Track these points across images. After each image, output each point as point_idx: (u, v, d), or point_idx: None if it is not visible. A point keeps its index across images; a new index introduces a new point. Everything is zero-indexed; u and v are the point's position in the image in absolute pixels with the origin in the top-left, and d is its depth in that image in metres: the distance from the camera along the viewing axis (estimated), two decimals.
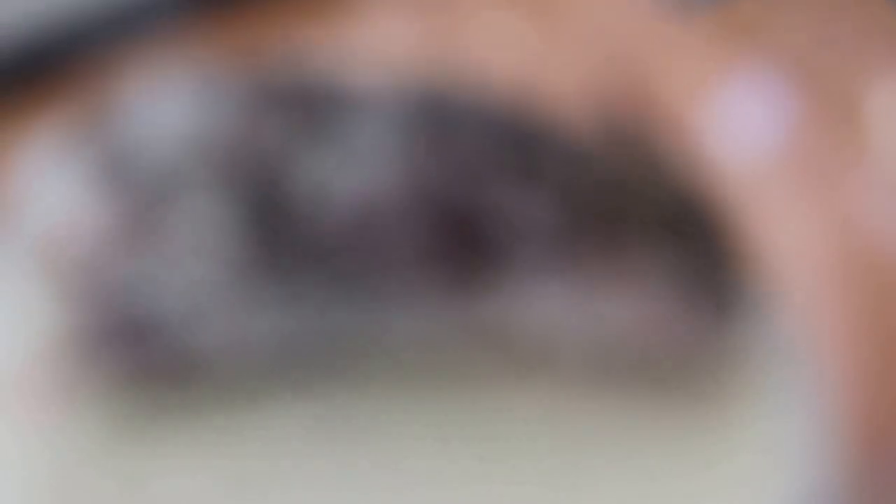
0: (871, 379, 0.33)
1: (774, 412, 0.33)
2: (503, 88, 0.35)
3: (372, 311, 0.33)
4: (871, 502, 0.23)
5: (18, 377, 0.33)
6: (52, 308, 0.34)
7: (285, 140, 0.34)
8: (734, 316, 0.33)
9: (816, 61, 0.37)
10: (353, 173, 0.33)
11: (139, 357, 0.33)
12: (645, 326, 0.33)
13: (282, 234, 0.33)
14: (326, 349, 0.33)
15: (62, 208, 0.33)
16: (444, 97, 0.34)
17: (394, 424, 0.33)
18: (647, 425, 0.33)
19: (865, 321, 0.34)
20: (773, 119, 0.37)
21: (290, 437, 0.33)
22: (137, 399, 0.33)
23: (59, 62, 0.41)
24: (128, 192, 0.33)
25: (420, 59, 0.36)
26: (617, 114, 0.33)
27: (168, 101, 0.34)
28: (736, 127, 0.38)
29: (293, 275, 0.33)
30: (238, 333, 0.33)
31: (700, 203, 0.34)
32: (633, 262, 0.33)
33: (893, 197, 0.35)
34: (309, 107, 0.34)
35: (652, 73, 0.40)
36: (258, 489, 0.33)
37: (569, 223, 0.33)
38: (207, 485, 0.33)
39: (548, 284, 0.33)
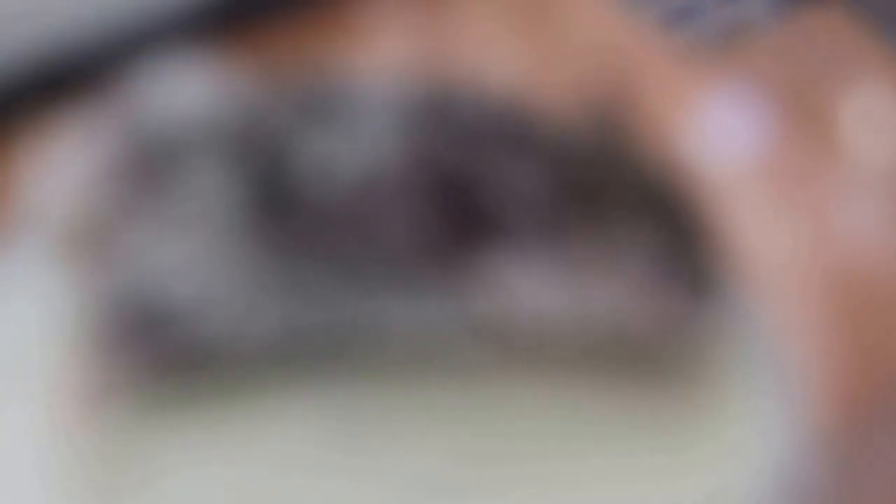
0: (835, 360, 0.34)
1: (749, 390, 0.34)
2: (497, 88, 0.36)
3: (371, 296, 0.33)
4: (832, 472, 0.24)
5: (38, 367, 0.34)
6: (69, 299, 0.35)
7: (291, 124, 0.34)
8: (710, 300, 0.34)
9: (793, 78, 0.39)
10: (354, 156, 0.33)
11: (150, 348, 0.33)
12: (625, 307, 0.33)
13: (287, 218, 0.33)
14: (328, 337, 0.34)
15: (81, 196, 0.34)
16: (440, 89, 0.35)
17: (394, 410, 0.34)
18: (629, 403, 0.34)
19: (831, 309, 0.35)
20: (749, 127, 0.39)
21: (295, 427, 0.34)
22: (150, 390, 0.33)
23: (89, 68, 0.43)
24: (141, 175, 0.33)
25: (419, 67, 0.37)
26: (601, 111, 0.34)
27: (182, 87, 0.35)
28: (715, 133, 0.40)
29: (297, 261, 0.33)
30: (243, 322, 0.33)
31: (677, 192, 0.34)
32: (614, 245, 0.33)
33: (860, 201, 0.36)
34: (314, 95, 0.35)
35: (636, 77, 0.42)
36: (266, 478, 0.33)
37: (554, 202, 0.33)
38: (217, 473, 0.33)
39: (535, 265, 0.33)
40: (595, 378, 0.34)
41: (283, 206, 0.33)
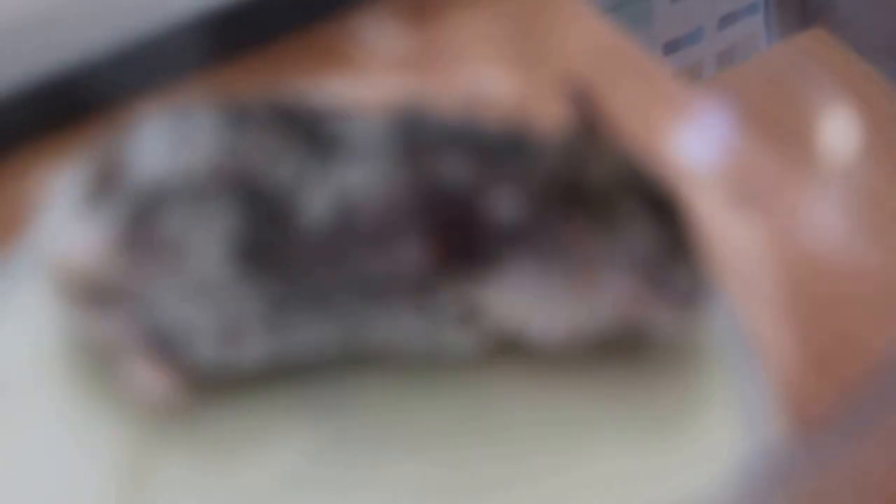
0: (800, 355, 0.35)
1: (728, 382, 0.35)
2: (486, 101, 0.36)
3: (363, 314, 0.34)
4: (799, 455, 0.25)
5: (34, 380, 0.35)
6: (62, 318, 0.36)
7: (284, 155, 0.34)
8: (696, 301, 0.34)
9: (775, 96, 0.40)
10: (348, 181, 0.34)
11: (146, 368, 0.34)
12: (615, 308, 0.34)
13: (275, 244, 0.34)
14: (321, 351, 0.35)
15: (73, 227, 0.34)
16: (429, 108, 0.35)
17: (391, 411, 0.35)
18: (618, 404, 0.35)
19: (797, 309, 0.36)
20: (726, 139, 0.40)
21: (291, 438, 0.34)
22: (148, 406, 0.34)
23: (90, 101, 0.43)
24: (132, 208, 0.34)
25: (409, 85, 0.37)
26: (585, 122, 0.35)
27: (172, 123, 0.35)
28: (695, 143, 0.40)
29: (285, 283, 0.34)
30: (235, 344, 0.34)
31: (662, 197, 0.35)
32: (603, 251, 0.34)
33: (827, 209, 0.37)
34: (302, 121, 0.35)
35: (620, 88, 0.42)
36: (264, 490, 0.34)
37: (545, 212, 0.34)
38: (216, 486, 0.34)
39: (529, 274, 0.34)
40: (585, 380, 0.35)
41: (276, 236, 0.34)
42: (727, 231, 0.38)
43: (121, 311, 0.34)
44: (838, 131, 0.36)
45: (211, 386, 0.35)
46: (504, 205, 0.34)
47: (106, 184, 0.34)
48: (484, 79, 0.44)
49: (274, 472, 0.34)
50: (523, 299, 0.35)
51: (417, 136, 0.35)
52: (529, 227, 0.34)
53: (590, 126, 0.35)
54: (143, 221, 0.34)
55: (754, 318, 0.36)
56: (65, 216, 0.35)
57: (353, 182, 0.34)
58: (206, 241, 0.34)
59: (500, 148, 0.35)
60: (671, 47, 0.43)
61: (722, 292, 0.36)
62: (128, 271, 0.34)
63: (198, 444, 0.35)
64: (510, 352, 0.35)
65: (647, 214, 0.35)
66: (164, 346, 0.34)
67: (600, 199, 0.34)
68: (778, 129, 0.39)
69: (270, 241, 0.34)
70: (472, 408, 0.35)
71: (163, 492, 0.34)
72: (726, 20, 0.42)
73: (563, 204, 0.34)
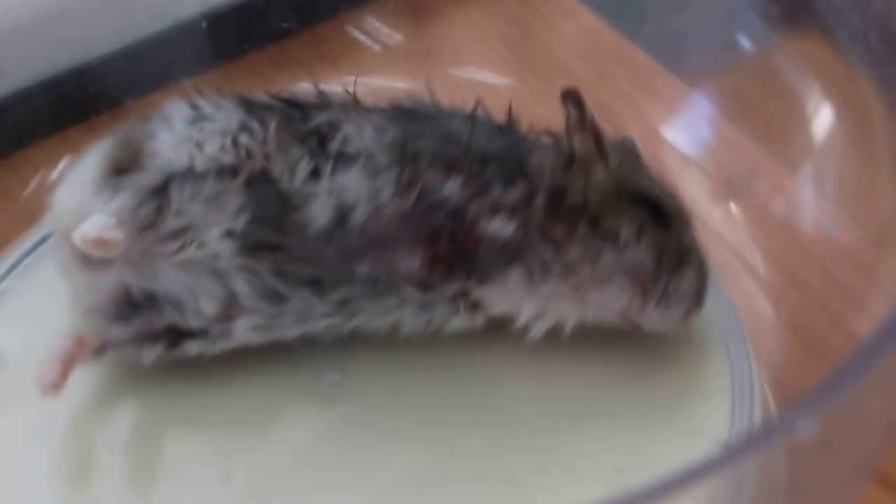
0: (788, 337, 0.36)
1: (721, 367, 0.36)
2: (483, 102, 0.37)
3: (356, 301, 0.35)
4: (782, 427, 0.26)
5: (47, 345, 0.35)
6: (74, 287, 0.37)
7: (287, 147, 0.35)
8: (688, 306, 0.35)
9: (765, 95, 0.41)
10: (340, 182, 0.35)
11: (143, 325, 0.35)
12: (609, 311, 0.35)
13: (277, 230, 0.35)
14: (316, 334, 0.35)
15: (90, 203, 0.35)
16: (419, 113, 0.36)
17: (392, 396, 0.35)
18: (615, 386, 0.36)
19: (785, 293, 0.37)
20: (710, 131, 0.41)
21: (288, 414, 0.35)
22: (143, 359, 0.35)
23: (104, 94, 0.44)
24: (149, 183, 0.35)
25: (408, 87, 0.38)
26: (578, 131, 0.35)
27: (190, 108, 0.36)
28: (681, 136, 0.42)
29: (283, 268, 0.35)
30: (226, 321, 0.35)
31: (656, 194, 0.35)
32: (597, 258, 0.35)
33: (811, 197, 0.38)
34: (308, 119, 0.36)
35: (615, 88, 0.43)
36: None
37: (543, 212, 0.35)
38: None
39: (527, 272, 0.35)
40: (584, 366, 0.36)
41: (278, 223, 0.34)
42: (717, 220, 0.39)
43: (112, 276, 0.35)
44: (822, 121, 0.38)
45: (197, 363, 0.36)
46: (497, 216, 0.34)
47: (125, 162, 0.36)
48: (482, 77, 0.45)
49: (280, 453, 0.35)
50: (516, 300, 0.35)
51: (413, 139, 0.35)
52: (522, 236, 0.34)
53: (584, 131, 0.35)
54: (158, 195, 0.35)
55: (744, 303, 0.38)
56: (82, 192, 0.36)
57: (350, 185, 0.35)
58: (214, 219, 0.35)
59: (494, 154, 0.35)
60: (667, 43, 0.44)
61: (714, 279, 0.38)
62: (135, 242, 0.35)
63: (200, 423, 0.36)
64: (507, 334, 0.36)
65: (643, 221, 0.35)
66: (151, 312, 0.35)
67: (595, 205, 0.35)
68: (765, 121, 0.40)
69: (273, 227, 0.35)
70: (475, 396, 0.36)
71: (163, 470, 0.35)
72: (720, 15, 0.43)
73: (557, 211, 0.35)
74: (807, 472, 0.27)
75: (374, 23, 0.48)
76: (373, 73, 0.46)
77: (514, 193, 0.35)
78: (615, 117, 0.42)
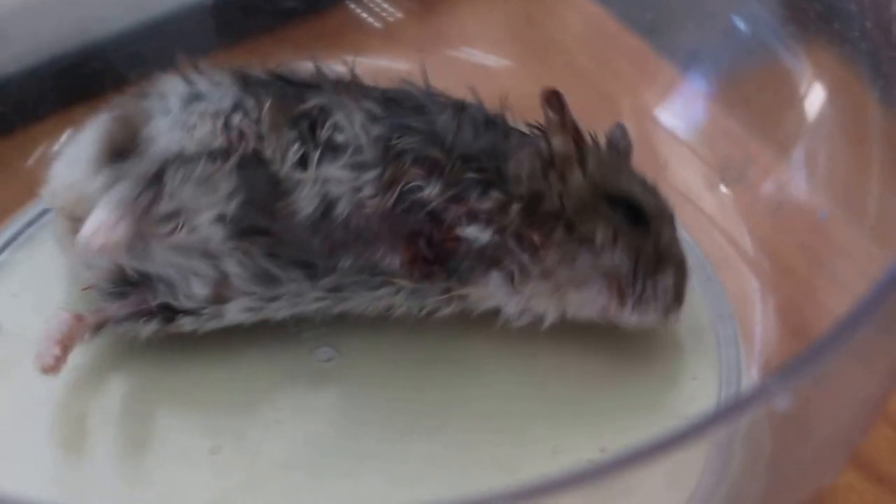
0: (777, 324, 0.37)
1: (709, 355, 0.37)
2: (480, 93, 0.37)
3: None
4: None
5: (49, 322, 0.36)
6: (71, 265, 0.38)
7: (280, 133, 0.35)
8: (667, 307, 0.35)
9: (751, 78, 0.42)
10: (328, 173, 0.35)
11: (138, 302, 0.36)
12: (588, 311, 0.36)
13: (267, 216, 0.35)
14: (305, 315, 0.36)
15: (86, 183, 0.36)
16: (410, 105, 0.37)
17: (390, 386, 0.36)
18: (605, 369, 0.36)
19: (776, 280, 0.38)
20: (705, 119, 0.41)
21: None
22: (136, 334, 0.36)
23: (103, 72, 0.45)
24: (145, 167, 0.35)
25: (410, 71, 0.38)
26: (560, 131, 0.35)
27: (186, 84, 0.37)
28: (678, 123, 0.42)
29: (273, 251, 0.35)
30: (218, 302, 0.35)
31: (633, 206, 0.36)
32: (576, 259, 0.35)
33: (811, 188, 0.39)
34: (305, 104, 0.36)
35: (612, 77, 0.43)
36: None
37: (514, 223, 0.35)
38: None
39: (499, 278, 0.35)
40: (571, 357, 0.37)
41: (269, 208, 0.35)
42: (710, 205, 0.40)
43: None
44: (814, 107, 0.38)
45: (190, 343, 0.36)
46: (473, 223, 0.35)
47: (122, 142, 0.36)
48: (481, 59, 0.45)
49: (269, 427, 0.35)
50: (498, 300, 0.36)
51: (399, 135, 0.35)
52: (499, 242, 0.35)
53: (564, 132, 0.35)
54: (155, 182, 0.35)
55: (733, 287, 0.38)
56: (79, 169, 0.36)
57: (334, 177, 0.35)
58: (205, 202, 0.35)
59: (476, 154, 0.35)
60: (666, 29, 0.44)
61: (704, 264, 0.38)
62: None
63: (191, 398, 0.36)
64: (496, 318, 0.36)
65: (620, 224, 0.35)
66: (146, 290, 0.36)
67: (572, 209, 0.35)
68: (759, 107, 0.40)
69: (264, 210, 0.35)
70: (463, 375, 0.36)
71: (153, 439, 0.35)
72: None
73: (534, 217, 0.35)
74: (783, 448, 0.27)
75: (379, 8, 0.49)
76: (375, 52, 0.46)
77: (490, 202, 0.35)
78: (612, 102, 0.42)
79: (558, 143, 0.36)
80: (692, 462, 0.26)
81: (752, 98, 0.41)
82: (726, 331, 0.37)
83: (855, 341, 0.25)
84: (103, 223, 0.35)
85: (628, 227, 0.35)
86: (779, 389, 0.24)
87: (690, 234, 0.39)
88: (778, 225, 0.38)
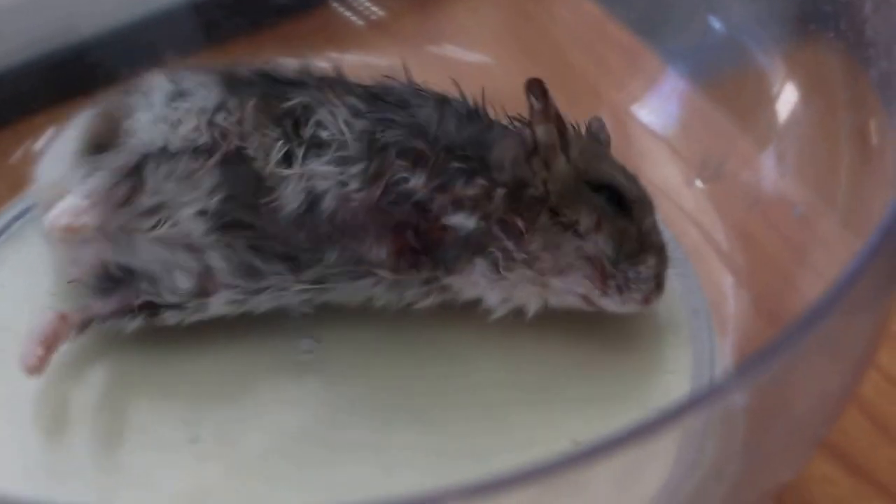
0: (753, 312, 0.37)
1: (686, 344, 0.37)
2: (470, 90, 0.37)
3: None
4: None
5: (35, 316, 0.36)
6: (56, 261, 0.38)
7: (265, 126, 0.36)
8: (649, 293, 0.36)
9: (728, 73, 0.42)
10: (313, 167, 0.35)
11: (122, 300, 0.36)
12: (569, 298, 0.36)
13: (250, 210, 0.35)
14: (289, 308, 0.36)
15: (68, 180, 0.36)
16: (396, 100, 0.37)
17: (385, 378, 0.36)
18: (585, 358, 0.36)
19: (754, 280, 0.38)
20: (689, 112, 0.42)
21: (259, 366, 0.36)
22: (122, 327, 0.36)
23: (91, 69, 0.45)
24: (125, 161, 0.36)
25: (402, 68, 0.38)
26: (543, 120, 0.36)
27: (170, 82, 0.37)
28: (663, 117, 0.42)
29: (256, 245, 0.36)
30: (202, 297, 0.36)
31: (615, 194, 0.36)
32: (558, 247, 0.35)
33: (785, 181, 0.39)
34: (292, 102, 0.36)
35: (606, 74, 0.44)
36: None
37: (497, 212, 0.35)
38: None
39: (483, 268, 0.35)
40: (551, 346, 0.37)
41: (252, 202, 0.35)
42: (686, 199, 0.40)
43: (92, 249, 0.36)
44: (789, 103, 0.39)
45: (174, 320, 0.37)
46: (459, 210, 0.35)
47: (104, 136, 0.36)
48: (466, 56, 0.46)
49: (251, 417, 0.35)
50: (483, 288, 0.36)
51: (383, 129, 0.36)
52: (484, 229, 0.35)
53: (547, 121, 0.36)
54: (133, 175, 0.35)
55: (709, 280, 0.38)
56: (63, 165, 0.37)
57: (319, 172, 0.35)
58: (187, 198, 0.35)
59: (461, 145, 0.36)
60: (654, 24, 0.44)
61: (681, 257, 0.38)
62: (113, 218, 0.36)
63: (171, 388, 0.36)
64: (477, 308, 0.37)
65: (603, 209, 0.35)
66: (129, 288, 0.36)
67: (556, 195, 0.35)
68: (737, 102, 0.41)
69: (246, 206, 0.35)
70: (442, 365, 0.37)
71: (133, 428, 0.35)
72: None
73: (518, 203, 0.35)
74: (753, 439, 0.28)
75: (375, 4, 0.49)
76: (360, 49, 0.46)
77: (475, 189, 0.35)
78: (592, 97, 0.43)
79: (541, 131, 0.36)
80: (654, 456, 0.26)
81: (730, 96, 0.42)
82: (702, 325, 0.38)
83: (818, 332, 0.25)
84: (72, 207, 0.35)
85: (611, 213, 0.36)
86: (738, 386, 0.25)
87: (668, 229, 0.39)
88: (753, 217, 0.39)
